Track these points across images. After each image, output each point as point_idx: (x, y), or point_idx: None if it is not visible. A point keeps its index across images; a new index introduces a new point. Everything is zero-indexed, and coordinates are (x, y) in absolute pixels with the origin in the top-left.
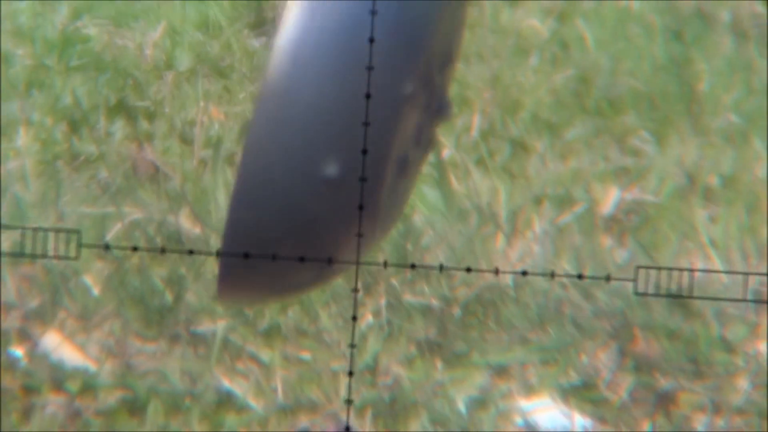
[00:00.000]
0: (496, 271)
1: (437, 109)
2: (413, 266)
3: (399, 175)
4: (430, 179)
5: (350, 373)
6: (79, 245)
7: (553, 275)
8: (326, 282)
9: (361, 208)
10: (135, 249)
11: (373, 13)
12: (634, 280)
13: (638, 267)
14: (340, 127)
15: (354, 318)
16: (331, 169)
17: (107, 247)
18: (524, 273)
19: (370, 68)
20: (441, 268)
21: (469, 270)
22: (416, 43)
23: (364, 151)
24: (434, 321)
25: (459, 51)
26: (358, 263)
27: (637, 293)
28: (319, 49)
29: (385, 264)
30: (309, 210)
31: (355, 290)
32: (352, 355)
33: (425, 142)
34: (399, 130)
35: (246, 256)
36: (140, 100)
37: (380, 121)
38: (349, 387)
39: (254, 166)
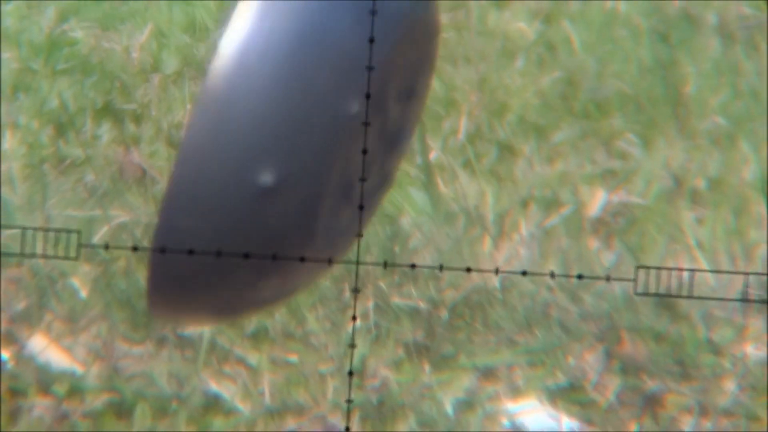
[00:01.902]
0: (497, 271)
1: (393, 140)
2: (413, 266)
3: (342, 201)
4: (417, 182)
5: (350, 373)
6: (79, 245)
7: (552, 275)
8: (274, 302)
9: (361, 207)
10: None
11: (373, 12)
12: (634, 280)
13: (638, 267)
14: (280, 135)
15: (354, 318)
16: (268, 178)
17: (107, 247)
18: (524, 273)
19: (370, 68)
20: (441, 267)
21: (469, 270)
22: (361, 62)
23: (365, 151)
24: (422, 323)
25: (426, 87)
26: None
27: (637, 293)
28: (265, 55)
29: (385, 264)
30: (244, 219)
31: (355, 290)
32: (351, 355)
33: (380, 174)
34: (339, 150)
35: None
36: (127, 103)
37: (319, 137)
38: (349, 386)
39: (189, 170)
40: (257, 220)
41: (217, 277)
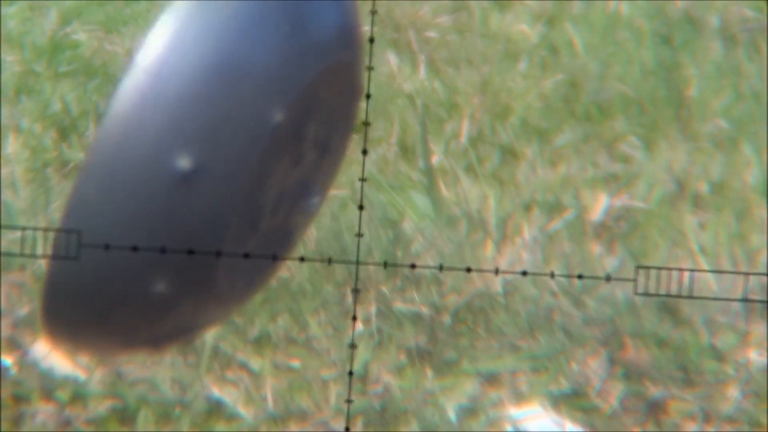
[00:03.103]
0: (496, 271)
1: (302, 187)
2: (413, 266)
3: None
4: (419, 185)
5: (350, 373)
6: (79, 245)
7: (552, 275)
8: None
9: (361, 207)
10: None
11: (373, 12)
12: (634, 280)
13: (638, 267)
14: (199, 125)
15: (354, 318)
16: (185, 164)
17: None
18: (524, 273)
19: (369, 68)
20: (441, 267)
21: (469, 270)
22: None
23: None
24: (424, 329)
25: (341, 147)
26: (357, 263)
27: (637, 293)
28: (186, 57)
29: (385, 264)
30: (159, 208)
31: (356, 290)
32: (352, 356)
33: (298, 206)
34: (255, 153)
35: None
36: None
37: (237, 134)
38: (350, 386)
39: (103, 159)
40: (173, 210)
41: (123, 292)
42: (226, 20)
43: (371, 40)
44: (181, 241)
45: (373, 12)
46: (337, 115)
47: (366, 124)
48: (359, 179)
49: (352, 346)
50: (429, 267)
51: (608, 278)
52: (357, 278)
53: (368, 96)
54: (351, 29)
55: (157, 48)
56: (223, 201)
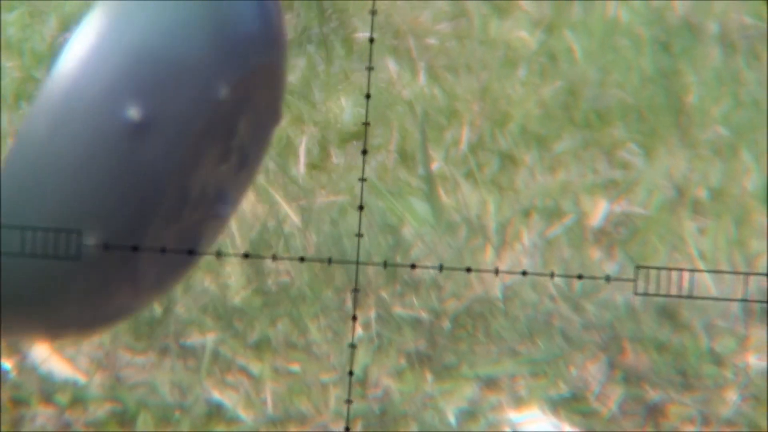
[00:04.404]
0: (496, 271)
1: (239, 164)
2: (413, 266)
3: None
4: (419, 192)
5: (350, 373)
6: (79, 245)
7: (552, 275)
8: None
9: (361, 208)
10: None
11: (373, 13)
12: (635, 281)
13: (638, 267)
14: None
15: (354, 318)
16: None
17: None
18: (524, 273)
19: (369, 68)
20: (441, 268)
21: (469, 270)
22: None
23: (365, 152)
24: (424, 333)
25: (257, 161)
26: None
27: (636, 293)
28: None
29: (385, 264)
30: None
31: (355, 290)
32: (352, 355)
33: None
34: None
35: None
36: None
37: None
38: (349, 386)
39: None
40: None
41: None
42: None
43: (371, 41)
44: (120, 199)
45: (373, 12)
46: (259, 129)
47: (366, 124)
48: (359, 179)
49: (352, 346)
50: (427, 267)
51: (608, 278)
52: (357, 278)
53: (368, 96)
54: (275, 32)
55: (82, 47)
56: (160, 170)
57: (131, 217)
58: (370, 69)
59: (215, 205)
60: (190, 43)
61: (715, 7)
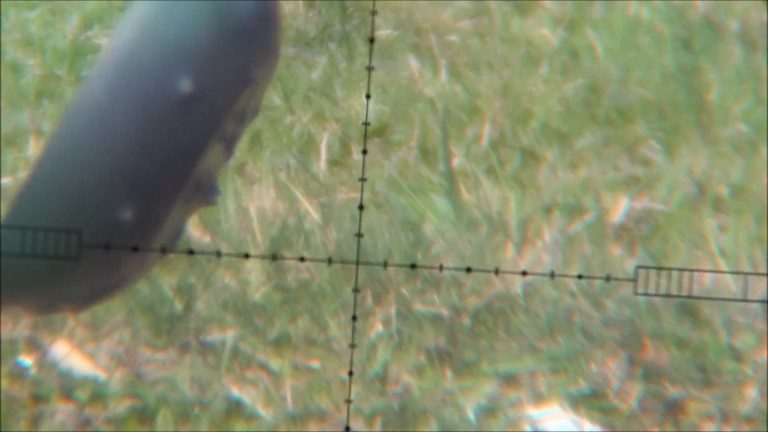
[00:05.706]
0: (498, 272)
1: (228, 152)
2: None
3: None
4: (440, 189)
5: (350, 373)
6: (79, 245)
7: (552, 275)
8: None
9: (361, 207)
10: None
11: (373, 13)
12: (635, 281)
13: (638, 267)
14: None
15: (354, 318)
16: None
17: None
18: (524, 273)
19: (369, 68)
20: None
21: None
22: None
23: (364, 152)
24: (444, 330)
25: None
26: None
27: (636, 293)
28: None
29: (385, 264)
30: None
31: (356, 290)
32: (351, 355)
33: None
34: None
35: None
36: None
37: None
38: (349, 386)
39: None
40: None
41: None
42: None
43: (371, 41)
44: (161, 167)
45: (373, 12)
46: (246, 120)
47: (365, 124)
48: (359, 179)
49: (352, 346)
50: (432, 267)
51: (608, 278)
52: (357, 277)
53: (368, 96)
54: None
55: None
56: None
57: (165, 187)
58: (370, 69)
59: (209, 194)
60: (234, 21)
61: (737, 5)
